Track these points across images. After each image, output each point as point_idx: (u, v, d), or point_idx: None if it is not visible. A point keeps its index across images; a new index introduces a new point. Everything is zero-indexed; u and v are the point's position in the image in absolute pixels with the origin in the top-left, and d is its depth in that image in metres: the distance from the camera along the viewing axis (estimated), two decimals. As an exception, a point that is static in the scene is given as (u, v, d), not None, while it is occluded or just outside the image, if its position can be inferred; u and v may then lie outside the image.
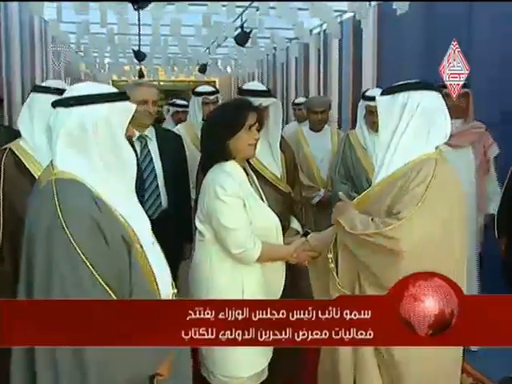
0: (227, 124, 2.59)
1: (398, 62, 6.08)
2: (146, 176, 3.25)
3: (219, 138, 2.59)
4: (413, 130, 2.23)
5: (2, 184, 2.63)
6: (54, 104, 1.84)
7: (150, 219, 3.12)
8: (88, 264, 1.69)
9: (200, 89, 4.73)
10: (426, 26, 5.69)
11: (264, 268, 2.65)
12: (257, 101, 3.06)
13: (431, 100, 2.25)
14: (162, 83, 16.09)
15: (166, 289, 1.99)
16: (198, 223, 2.64)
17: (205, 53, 11.21)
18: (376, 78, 6.67)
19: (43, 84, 2.87)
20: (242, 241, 2.51)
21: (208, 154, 2.67)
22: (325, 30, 8.02)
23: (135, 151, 3.13)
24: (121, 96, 1.91)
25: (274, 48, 10.36)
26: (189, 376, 2.11)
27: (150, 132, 3.35)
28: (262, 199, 2.76)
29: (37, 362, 1.73)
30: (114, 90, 1.96)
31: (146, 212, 3.10)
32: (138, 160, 3.16)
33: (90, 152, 1.80)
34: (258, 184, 2.82)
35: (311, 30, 8.79)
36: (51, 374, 1.71)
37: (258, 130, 2.68)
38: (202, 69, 12.23)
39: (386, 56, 6.49)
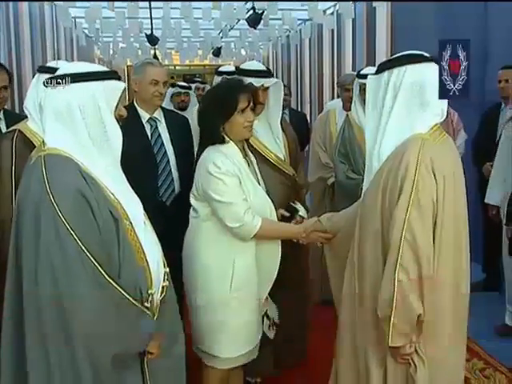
0: (219, 108, 2.56)
1: (412, 41, 5.96)
2: (159, 160, 3.21)
3: (213, 123, 2.56)
4: (399, 110, 2.06)
5: (14, 165, 2.63)
6: (45, 83, 1.86)
7: (165, 205, 3.14)
8: (74, 236, 1.71)
9: (222, 68, 4.67)
10: (440, 4, 5.56)
11: (258, 248, 2.61)
12: (258, 81, 3.02)
13: (417, 74, 2.06)
14: (177, 67, 16.09)
15: (157, 267, 1.99)
16: (192, 200, 2.63)
17: (218, 36, 11.12)
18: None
19: (47, 65, 2.84)
20: (239, 214, 2.49)
21: (204, 137, 2.64)
22: (338, 11, 7.89)
23: (146, 134, 3.17)
24: (110, 74, 1.91)
25: (287, 30, 10.24)
26: (182, 357, 2.12)
27: (159, 114, 3.30)
28: (259, 182, 2.72)
29: (26, 337, 1.76)
30: (104, 68, 1.96)
31: (161, 198, 3.12)
32: (150, 143, 3.16)
33: (77, 129, 1.83)
34: (255, 166, 2.78)
35: (325, 11, 8.65)
36: (41, 350, 1.74)
37: (253, 110, 2.64)
38: (217, 52, 12.16)
39: (400, 35, 6.35)
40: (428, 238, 1.97)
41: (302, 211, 3.30)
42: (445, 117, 2.15)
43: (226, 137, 2.59)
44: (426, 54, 2.13)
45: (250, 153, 2.79)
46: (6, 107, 3.52)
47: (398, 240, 1.95)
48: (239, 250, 2.58)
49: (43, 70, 2.75)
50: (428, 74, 2.06)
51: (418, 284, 1.96)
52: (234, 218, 2.50)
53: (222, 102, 2.57)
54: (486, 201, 4.16)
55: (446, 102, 2.13)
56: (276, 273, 2.69)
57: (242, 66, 3.31)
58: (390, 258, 1.98)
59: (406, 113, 2.07)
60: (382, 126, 2.11)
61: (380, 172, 2.10)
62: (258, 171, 2.79)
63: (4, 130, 3.32)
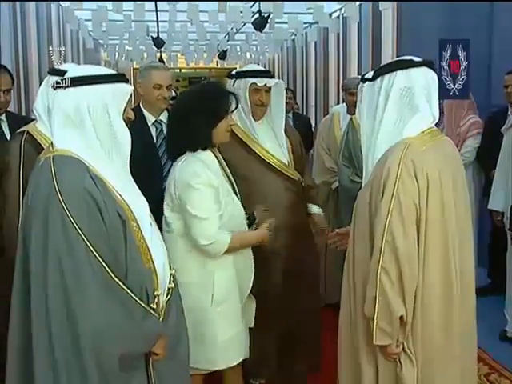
0: (214, 112, 2.52)
1: (418, 44, 5.95)
2: (164, 163, 3.20)
3: (204, 127, 2.51)
4: (390, 115, 2.11)
5: (22, 166, 2.63)
6: (54, 85, 1.87)
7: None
8: (83, 236, 1.73)
9: (234, 72, 4.58)
10: (446, 6, 5.56)
11: (235, 259, 2.58)
12: (261, 81, 3.03)
13: (406, 79, 2.10)
14: (183, 70, 16.13)
15: (163, 269, 2.00)
16: (167, 212, 2.54)
17: (224, 39, 11.15)
18: (396, 61, 6.54)
19: (57, 67, 2.84)
20: (211, 232, 2.43)
21: (190, 141, 2.55)
22: (343, 14, 7.90)
23: (151, 137, 3.17)
24: (118, 77, 1.92)
25: (293, 33, 10.26)
26: (186, 360, 2.14)
27: (165, 117, 3.29)
28: (234, 188, 2.68)
29: (32, 337, 1.76)
30: (112, 71, 1.97)
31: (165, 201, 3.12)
32: (155, 146, 3.17)
33: (86, 131, 1.84)
34: (228, 171, 2.74)
35: (330, 14, 8.66)
36: (47, 350, 1.74)
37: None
38: (222, 55, 12.21)
39: (406, 38, 6.36)
40: (409, 240, 2.00)
41: (315, 209, 3.27)
42: (436, 120, 2.18)
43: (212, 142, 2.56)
44: (416, 59, 2.15)
45: (221, 158, 2.74)
46: (9, 109, 3.52)
47: (379, 242, 2.00)
48: (218, 262, 2.52)
49: (53, 72, 2.74)
50: (417, 78, 2.10)
51: (399, 285, 2.00)
52: (206, 236, 2.42)
53: (218, 105, 2.53)
54: (489, 207, 4.16)
55: (436, 105, 2.16)
56: (252, 280, 2.64)
57: (243, 68, 3.31)
58: (373, 259, 2.03)
59: (396, 117, 2.12)
60: (375, 131, 2.16)
61: (371, 176, 2.16)
62: (231, 177, 2.74)
63: (7, 132, 3.34)
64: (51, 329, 1.72)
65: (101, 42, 11.63)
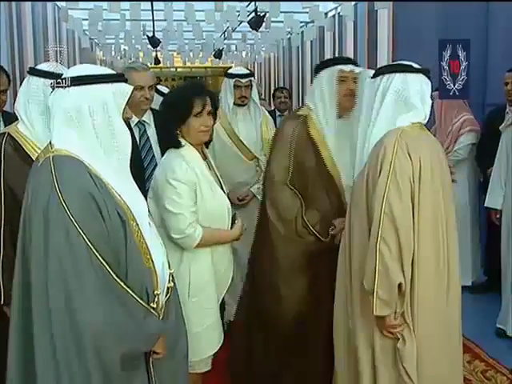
0: (174, 112, 2.54)
1: (414, 43, 5.96)
2: (147, 165, 3.19)
3: (169, 126, 2.56)
4: (386, 111, 2.30)
5: (2, 169, 2.61)
6: (53, 84, 1.87)
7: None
8: (84, 237, 1.73)
9: (233, 70, 4.30)
10: (441, 5, 5.57)
11: (213, 256, 2.62)
12: (347, 67, 2.83)
13: (403, 82, 2.30)
14: (178, 69, 16.14)
15: (162, 268, 2.02)
16: (150, 202, 2.57)
17: (220, 38, 11.14)
18: (391, 60, 6.54)
19: (37, 67, 2.81)
20: (182, 227, 2.51)
21: (162, 140, 2.66)
22: (339, 13, 7.91)
23: (134, 138, 3.14)
24: (118, 77, 1.93)
25: (289, 32, 10.26)
26: (185, 359, 2.16)
27: (148, 117, 3.27)
28: (221, 184, 2.69)
29: (34, 338, 1.76)
30: (112, 71, 1.97)
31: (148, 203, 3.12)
32: (137, 147, 3.15)
33: (86, 131, 1.84)
34: (215, 168, 2.74)
35: (326, 13, 8.67)
36: (49, 349, 1.74)
37: (213, 115, 2.61)
38: (218, 54, 12.21)
39: (402, 37, 6.37)
40: (405, 211, 2.16)
41: None
42: (427, 119, 2.37)
43: (182, 140, 2.57)
44: (414, 65, 2.36)
45: (208, 155, 2.74)
46: (5, 109, 3.50)
47: (378, 215, 2.14)
48: (194, 256, 2.58)
49: (34, 72, 2.69)
50: (413, 82, 2.32)
51: (398, 253, 2.13)
52: (177, 230, 2.52)
53: (177, 105, 2.55)
54: (485, 205, 4.18)
55: (428, 106, 2.36)
56: (231, 275, 2.72)
57: (329, 58, 3.11)
58: (372, 232, 2.17)
59: (392, 113, 2.31)
60: (371, 124, 2.34)
61: (367, 161, 2.32)
62: (217, 173, 2.74)
63: None
64: (52, 329, 1.73)
65: (96, 41, 11.61)
